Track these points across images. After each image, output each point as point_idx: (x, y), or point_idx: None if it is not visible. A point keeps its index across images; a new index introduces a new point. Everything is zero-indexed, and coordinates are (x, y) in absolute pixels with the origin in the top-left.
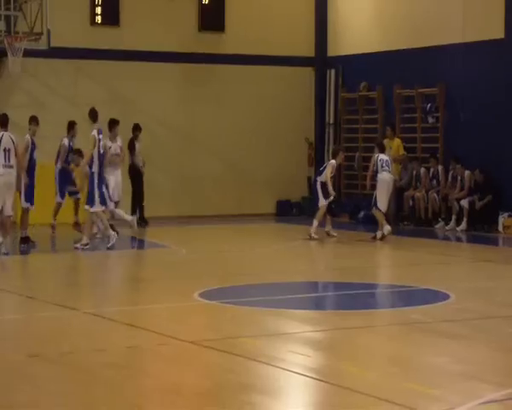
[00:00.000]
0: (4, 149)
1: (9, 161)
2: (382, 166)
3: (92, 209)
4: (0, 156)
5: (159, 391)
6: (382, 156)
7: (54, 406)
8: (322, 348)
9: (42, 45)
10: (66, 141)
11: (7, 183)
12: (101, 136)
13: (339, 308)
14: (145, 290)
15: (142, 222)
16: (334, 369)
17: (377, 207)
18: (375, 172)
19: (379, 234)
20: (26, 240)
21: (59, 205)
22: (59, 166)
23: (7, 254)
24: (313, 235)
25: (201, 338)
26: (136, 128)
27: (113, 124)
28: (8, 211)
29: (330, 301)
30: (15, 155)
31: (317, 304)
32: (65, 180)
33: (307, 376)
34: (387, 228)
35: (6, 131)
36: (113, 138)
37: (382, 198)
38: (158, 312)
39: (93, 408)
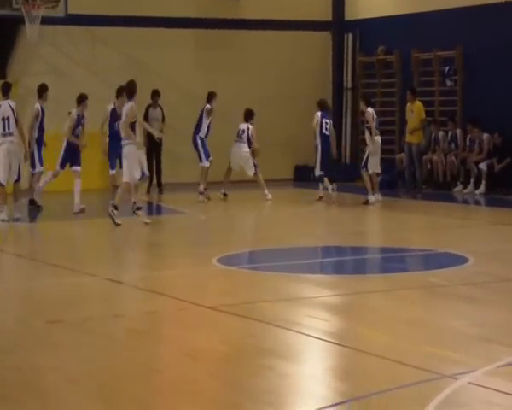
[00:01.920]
0: (3, 118)
1: (9, 128)
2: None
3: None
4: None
5: (178, 356)
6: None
7: (74, 371)
8: (339, 313)
9: (59, 12)
10: (74, 112)
11: (8, 150)
12: None
13: (356, 272)
14: (163, 256)
15: (159, 189)
16: (351, 333)
17: (366, 169)
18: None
19: (371, 198)
20: (33, 202)
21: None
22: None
23: (18, 219)
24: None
25: (220, 303)
26: (155, 94)
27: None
28: (14, 177)
29: (348, 266)
30: (16, 122)
31: (335, 268)
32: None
33: (325, 340)
34: (373, 198)
35: (7, 99)
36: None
37: (376, 159)
38: (176, 277)
39: (112, 373)
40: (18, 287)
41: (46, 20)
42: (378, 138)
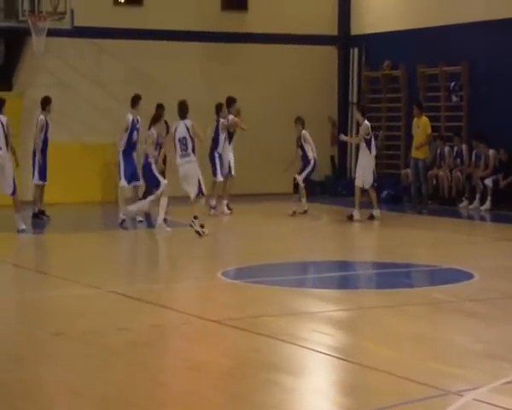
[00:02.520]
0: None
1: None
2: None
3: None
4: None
5: (182, 369)
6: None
7: (77, 383)
8: (344, 327)
9: (65, 25)
10: (130, 116)
11: None
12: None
13: (362, 288)
14: (168, 269)
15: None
16: (356, 348)
17: (372, 185)
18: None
19: (375, 212)
20: (37, 215)
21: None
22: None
23: (23, 231)
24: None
25: (224, 317)
26: (160, 108)
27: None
28: (7, 190)
29: (353, 281)
30: (5, 136)
31: (340, 283)
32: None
33: (330, 355)
34: (377, 212)
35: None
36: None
37: (370, 174)
38: (181, 291)
39: (116, 386)
40: (22, 299)
41: (52, 32)
42: (374, 152)
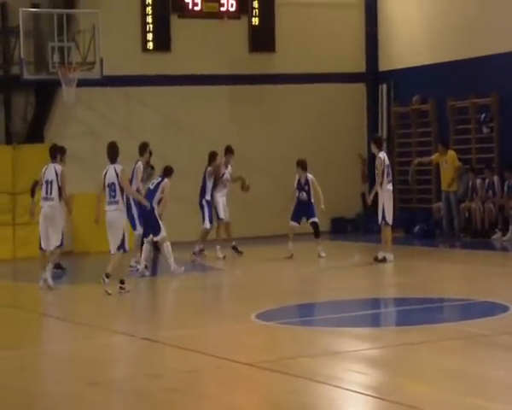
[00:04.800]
0: (46, 181)
1: (51, 193)
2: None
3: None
4: (42, 188)
5: None
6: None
7: None
8: (380, 366)
9: (95, 74)
10: (140, 164)
11: (47, 216)
12: None
13: (396, 324)
14: (201, 314)
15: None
16: (392, 386)
17: (386, 222)
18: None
19: (380, 255)
20: (58, 266)
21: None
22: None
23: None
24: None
25: (259, 360)
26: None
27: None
28: (53, 245)
29: (387, 318)
30: (58, 186)
31: (374, 321)
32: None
33: (366, 394)
34: (391, 256)
35: (55, 162)
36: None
37: (390, 211)
38: (215, 335)
39: None
40: (56, 349)
41: (82, 82)
42: (389, 186)
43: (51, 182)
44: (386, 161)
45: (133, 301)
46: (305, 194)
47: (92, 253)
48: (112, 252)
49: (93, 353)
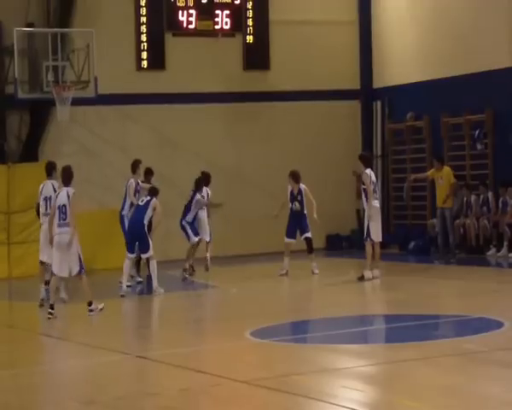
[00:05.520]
0: (59, 207)
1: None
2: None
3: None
4: (41, 205)
5: None
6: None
7: None
8: (375, 383)
9: (89, 93)
10: (132, 181)
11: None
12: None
13: (391, 341)
14: (196, 331)
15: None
16: (388, 403)
17: (370, 239)
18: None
19: (367, 274)
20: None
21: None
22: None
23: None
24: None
25: (254, 377)
26: (149, 172)
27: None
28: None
29: (382, 335)
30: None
31: (369, 338)
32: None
33: None
34: (369, 273)
35: (51, 179)
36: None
37: (377, 227)
38: (210, 353)
39: None
40: (52, 368)
41: (76, 101)
42: (376, 203)
43: (64, 206)
44: (373, 178)
45: (128, 320)
46: (298, 204)
47: (93, 269)
48: (58, 273)
49: (89, 371)
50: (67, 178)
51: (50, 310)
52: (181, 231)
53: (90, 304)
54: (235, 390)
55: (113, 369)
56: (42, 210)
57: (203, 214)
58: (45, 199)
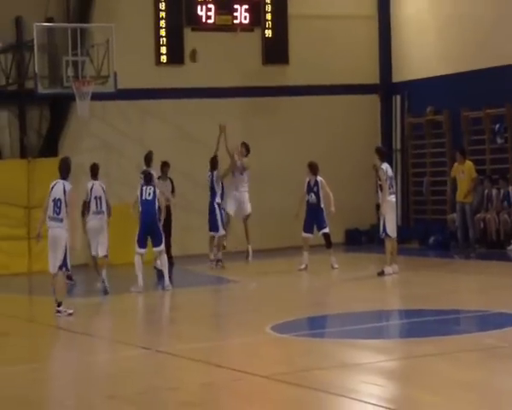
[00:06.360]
0: (95, 197)
1: (101, 207)
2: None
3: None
4: (92, 204)
5: None
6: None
7: None
8: (395, 378)
9: (109, 88)
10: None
11: (98, 226)
12: None
13: (411, 336)
14: (217, 326)
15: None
16: (408, 398)
17: (387, 234)
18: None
19: (388, 269)
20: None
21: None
22: None
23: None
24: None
25: (275, 372)
26: (165, 165)
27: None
28: (103, 252)
29: (402, 330)
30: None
31: (389, 333)
32: None
33: (381, 406)
34: (389, 269)
35: (96, 180)
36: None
37: (392, 222)
38: (230, 347)
39: None
40: (75, 363)
41: (96, 96)
42: (392, 198)
43: (59, 200)
44: (389, 173)
45: (148, 314)
46: (314, 196)
47: (113, 265)
48: (52, 271)
49: (110, 366)
50: (65, 170)
51: (58, 308)
52: (208, 216)
53: (59, 305)
54: (255, 385)
55: (133, 364)
56: (92, 208)
57: (239, 189)
58: (96, 198)
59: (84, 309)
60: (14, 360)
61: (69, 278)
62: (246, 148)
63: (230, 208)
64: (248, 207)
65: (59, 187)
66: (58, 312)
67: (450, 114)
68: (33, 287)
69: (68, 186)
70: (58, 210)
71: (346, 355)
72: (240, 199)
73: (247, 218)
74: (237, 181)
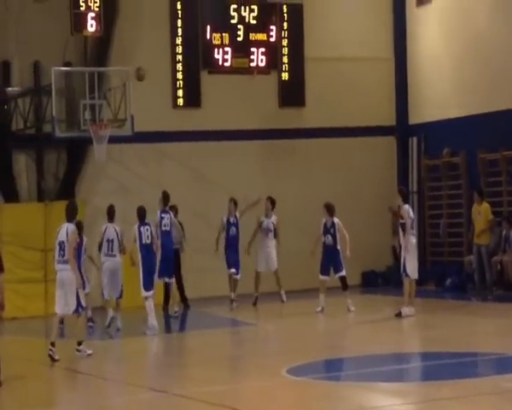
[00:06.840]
0: (108, 240)
1: (112, 250)
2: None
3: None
4: (104, 246)
5: None
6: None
7: None
8: None
9: (126, 131)
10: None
11: (110, 269)
12: None
13: (428, 379)
14: (232, 369)
15: (185, 304)
16: None
17: (407, 275)
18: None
19: (405, 310)
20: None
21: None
22: None
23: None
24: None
25: None
26: (172, 209)
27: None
28: (117, 294)
29: (419, 373)
30: (118, 245)
31: (406, 376)
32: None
33: None
34: (407, 310)
35: (112, 222)
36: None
37: (413, 263)
38: (246, 391)
39: None
40: (89, 407)
41: (113, 139)
42: (413, 239)
43: (63, 243)
44: (411, 214)
45: (164, 357)
46: (330, 237)
47: (122, 308)
48: (58, 312)
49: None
50: (70, 213)
51: (78, 347)
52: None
53: (79, 343)
54: None
55: (150, 407)
56: (104, 250)
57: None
58: (108, 241)
59: (101, 351)
60: (31, 404)
61: (90, 320)
62: (271, 202)
63: (260, 266)
64: (275, 263)
65: (63, 230)
66: (78, 351)
67: (467, 156)
68: (50, 330)
69: (71, 228)
70: (63, 253)
71: (363, 399)
72: (268, 256)
73: (275, 271)
74: (264, 238)
